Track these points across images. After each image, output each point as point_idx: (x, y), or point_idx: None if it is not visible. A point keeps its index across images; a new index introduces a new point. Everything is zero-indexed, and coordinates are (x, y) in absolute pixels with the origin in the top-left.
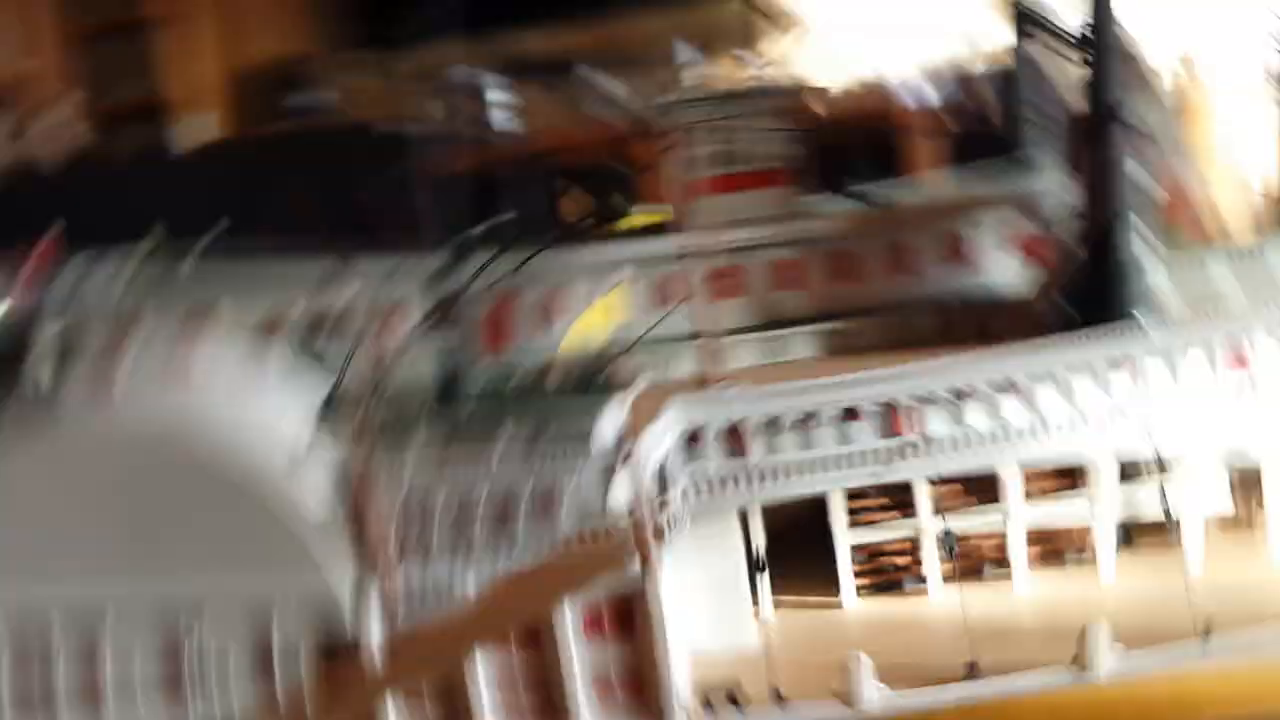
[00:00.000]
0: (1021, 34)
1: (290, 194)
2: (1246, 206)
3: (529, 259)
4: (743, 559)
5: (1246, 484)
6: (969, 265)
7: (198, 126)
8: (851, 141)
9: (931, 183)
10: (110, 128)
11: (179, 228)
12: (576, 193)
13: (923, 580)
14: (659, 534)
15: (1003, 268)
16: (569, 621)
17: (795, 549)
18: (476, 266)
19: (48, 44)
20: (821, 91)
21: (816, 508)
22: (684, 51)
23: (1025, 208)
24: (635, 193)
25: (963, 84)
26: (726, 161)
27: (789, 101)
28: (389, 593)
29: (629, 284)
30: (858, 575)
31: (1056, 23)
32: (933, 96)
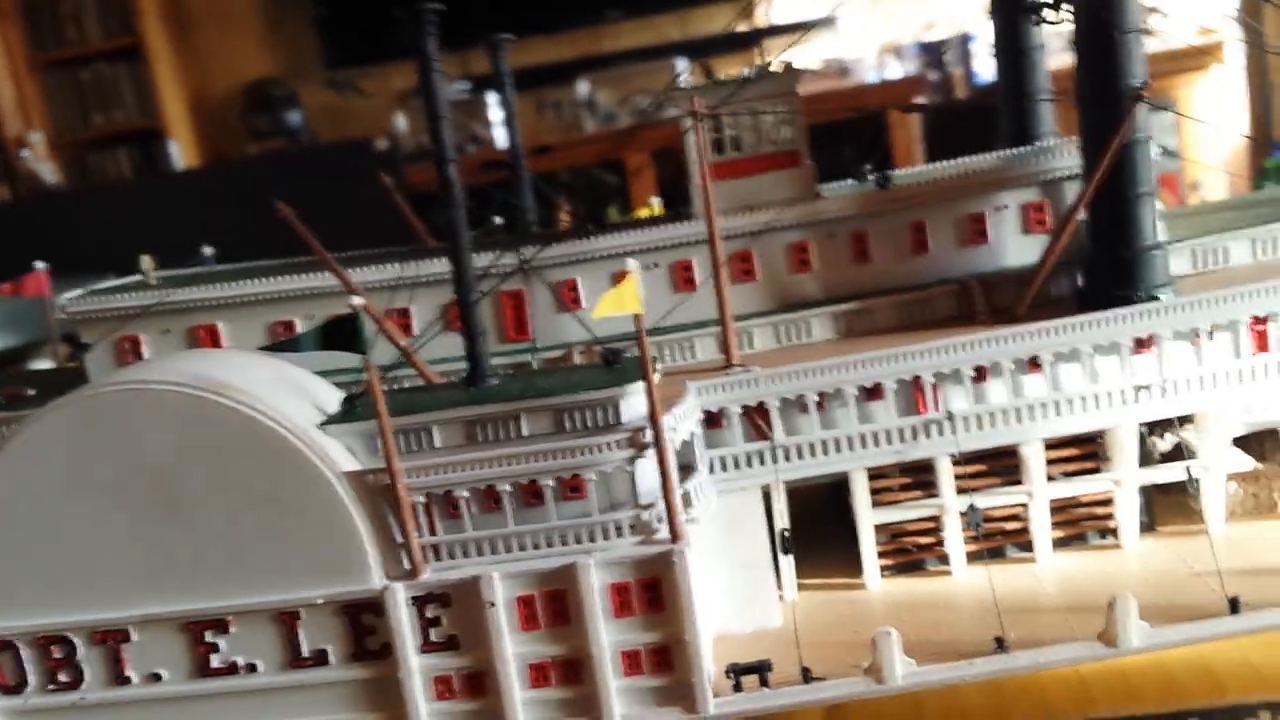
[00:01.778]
0: (1018, 10)
1: (277, 204)
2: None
3: (545, 246)
4: (766, 541)
5: (1262, 440)
6: (988, 245)
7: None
8: (843, 126)
9: (939, 165)
10: (80, 158)
11: (173, 246)
12: (568, 203)
13: (945, 560)
14: (687, 512)
15: (1022, 247)
16: (598, 600)
17: (810, 534)
18: (488, 260)
19: (13, 77)
20: (808, 76)
21: (830, 491)
22: (680, 61)
23: (1044, 187)
24: (627, 200)
25: (931, 55)
26: (735, 146)
27: (788, 85)
28: (417, 566)
29: (644, 270)
30: (879, 556)
31: None
32: (909, 70)
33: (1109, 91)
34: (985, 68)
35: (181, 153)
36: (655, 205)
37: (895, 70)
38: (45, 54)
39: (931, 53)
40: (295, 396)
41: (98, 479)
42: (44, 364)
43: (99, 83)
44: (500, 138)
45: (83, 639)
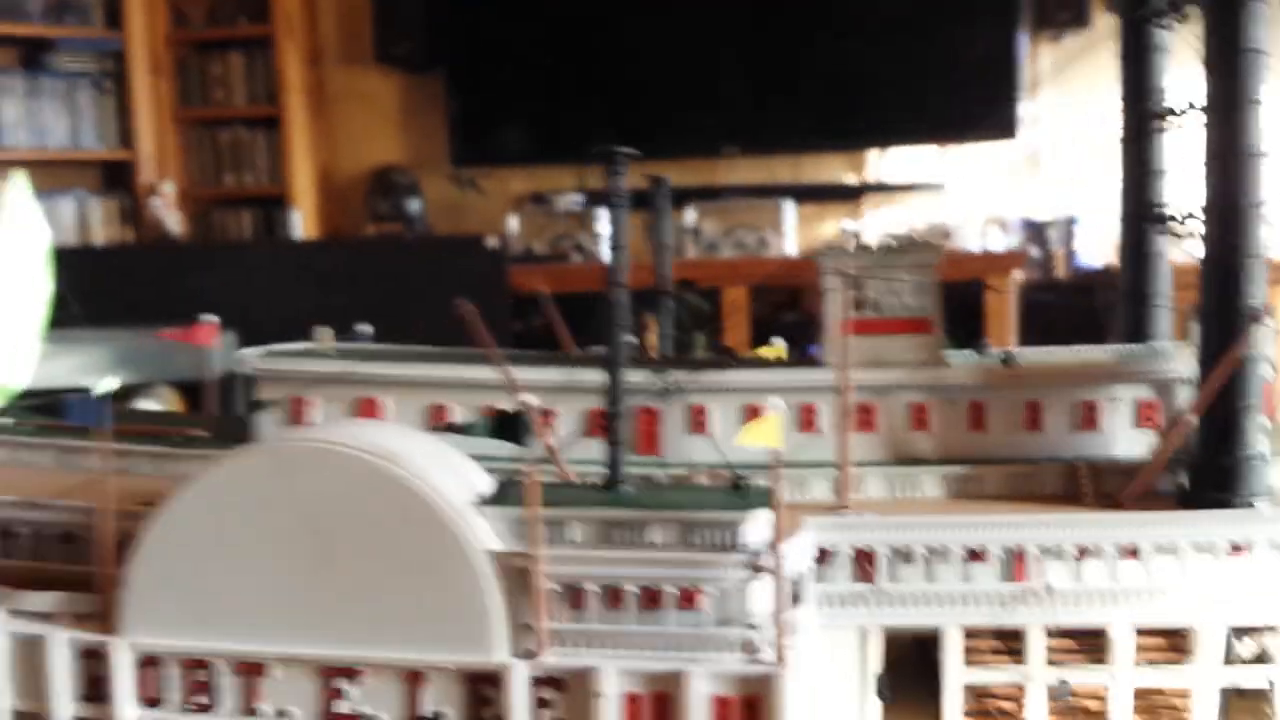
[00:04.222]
0: (1148, 222)
1: (459, 301)
2: None
3: (689, 372)
4: (859, 682)
5: None
6: (1098, 432)
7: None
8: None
9: (1061, 350)
10: (205, 213)
11: (300, 310)
12: (652, 320)
13: None
14: (792, 639)
15: (1130, 439)
16: (701, 708)
17: (893, 682)
18: (632, 376)
19: (156, 129)
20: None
21: (915, 645)
22: (786, 203)
23: (1157, 386)
24: (716, 329)
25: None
26: (872, 306)
27: (931, 258)
28: (540, 647)
29: (781, 410)
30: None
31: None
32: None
33: (1227, 308)
34: (1087, 251)
35: (301, 222)
36: (778, 346)
37: (998, 242)
38: (190, 110)
39: (1036, 230)
40: (452, 474)
41: (268, 523)
42: (149, 404)
43: (236, 145)
44: (603, 250)
45: (224, 666)
